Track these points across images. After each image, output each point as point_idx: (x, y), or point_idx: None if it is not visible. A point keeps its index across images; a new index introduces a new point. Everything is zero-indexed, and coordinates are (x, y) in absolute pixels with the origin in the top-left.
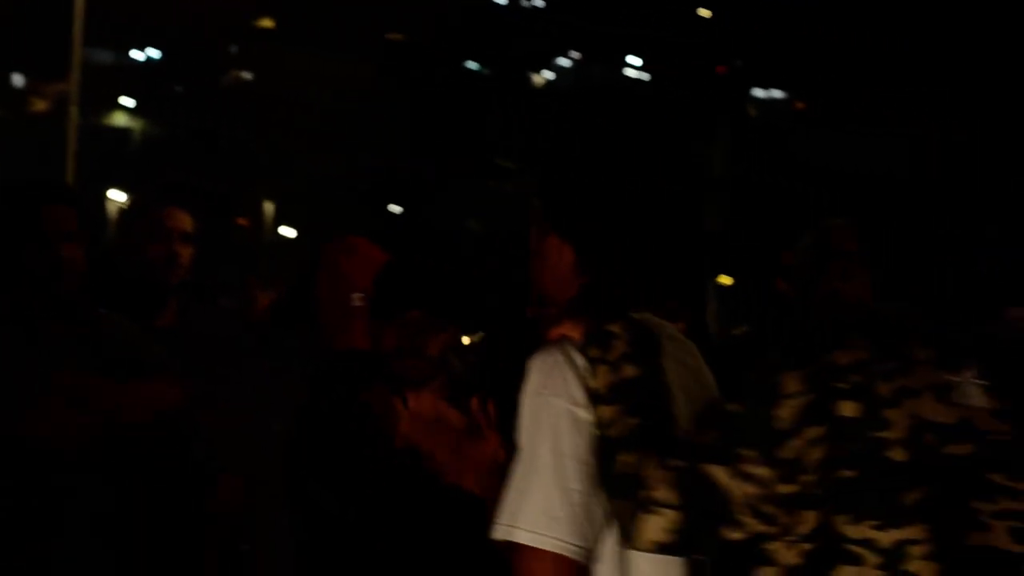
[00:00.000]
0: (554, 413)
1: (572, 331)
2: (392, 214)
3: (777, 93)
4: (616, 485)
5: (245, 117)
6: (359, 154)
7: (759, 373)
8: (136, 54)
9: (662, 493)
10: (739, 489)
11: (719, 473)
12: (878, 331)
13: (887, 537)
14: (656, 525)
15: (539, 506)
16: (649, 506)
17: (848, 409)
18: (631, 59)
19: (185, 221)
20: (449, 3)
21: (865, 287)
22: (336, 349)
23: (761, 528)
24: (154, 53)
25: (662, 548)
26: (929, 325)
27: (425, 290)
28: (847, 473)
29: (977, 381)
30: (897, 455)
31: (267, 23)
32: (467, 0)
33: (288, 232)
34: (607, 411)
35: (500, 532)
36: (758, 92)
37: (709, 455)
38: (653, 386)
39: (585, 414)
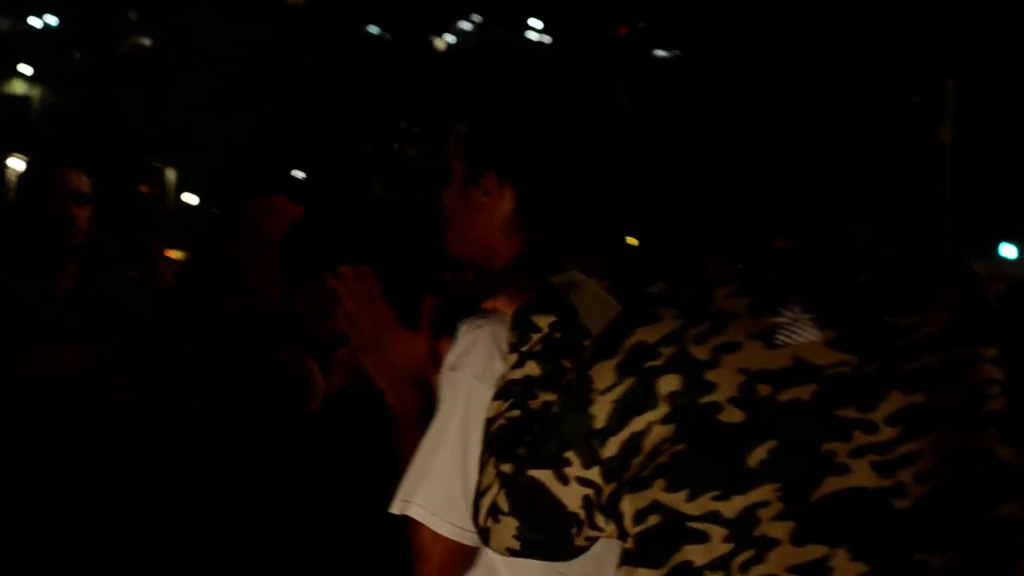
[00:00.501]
0: (467, 392)
1: (506, 304)
2: (295, 178)
3: (677, 52)
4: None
5: (145, 83)
6: (260, 119)
7: (573, 368)
8: (34, 21)
9: (500, 500)
10: (569, 494)
11: (546, 477)
12: (681, 296)
13: (731, 506)
14: (502, 533)
15: (439, 486)
16: (495, 514)
17: (668, 384)
18: (532, 22)
19: (81, 182)
20: None
21: None
22: (251, 312)
23: (608, 530)
24: (52, 20)
25: (515, 554)
26: (738, 273)
27: (339, 250)
28: (678, 447)
29: (805, 315)
30: (731, 416)
31: None
32: None
33: (191, 199)
34: (496, 405)
35: (397, 505)
36: (659, 52)
37: (534, 460)
38: (549, 387)
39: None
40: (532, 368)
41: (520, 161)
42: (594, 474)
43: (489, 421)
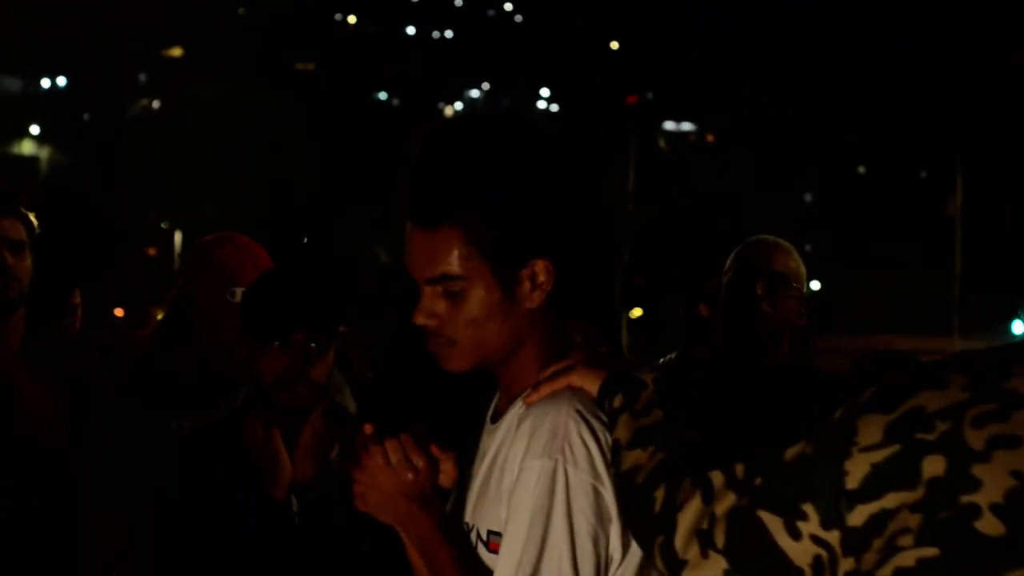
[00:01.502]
0: (571, 487)
1: (586, 380)
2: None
3: (687, 126)
4: (655, 526)
5: (153, 145)
6: (267, 183)
7: (828, 415)
8: (44, 82)
9: (716, 532)
10: (798, 550)
11: (774, 524)
12: (975, 364)
13: None
14: (705, 570)
15: None
16: (706, 545)
17: (933, 467)
18: (542, 91)
19: (15, 230)
20: (357, 35)
21: (793, 307)
22: (214, 370)
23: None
24: (61, 81)
25: None
26: None
27: (308, 309)
28: (928, 553)
29: None
30: (990, 527)
31: (175, 52)
32: (376, 32)
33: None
34: (633, 456)
35: None
36: (668, 125)
37: (765, 499)
38: (678, 427)
39: (607, 493)
40: (656, 415)
41: (565, 239)
42: (832, 538)
43: (631, 474)
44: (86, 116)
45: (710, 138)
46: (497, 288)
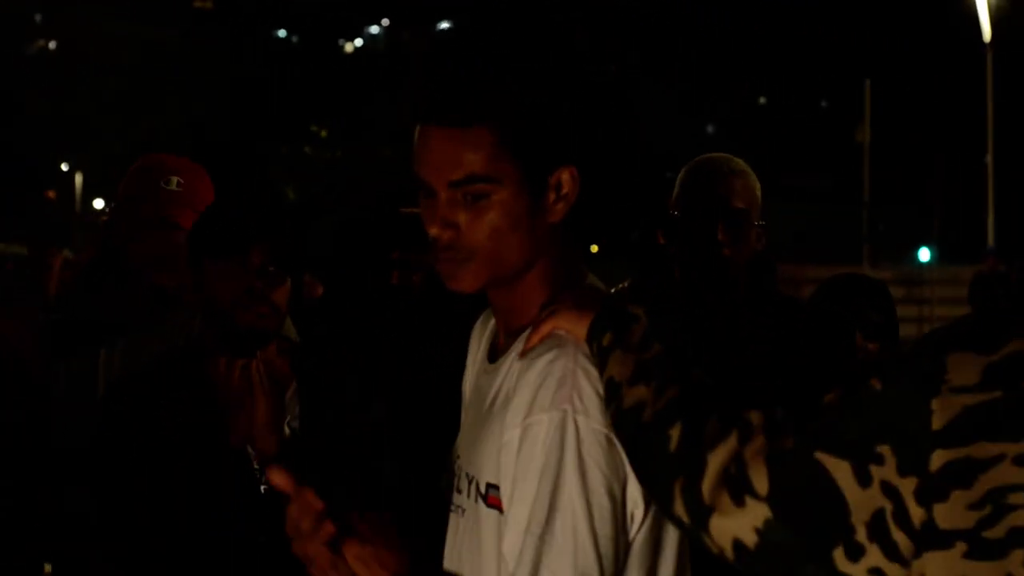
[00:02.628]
0: (583, 439)
1: (573, 323)
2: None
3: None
4: (672, 466)
5: (50, 87)
6: (168, 121)
7: (915, 348)
8: None
9: (756, 476)
10: (862, 500)
11: (839, 469)
12: None
13: None
14: (740, 520)
15: (569, 560)
16: (741, 492)
17: None
18: (441, 25)
19: None
20: None
21: (753, 238)
22: (153, 288)
23: (883, 564)
24: None
25: (739, 555)
26: None
27: (270, 226)
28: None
29: None
30: None
31: None
32: None
33: (100, 204)
34: (636, 393)
35: None
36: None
37: (829, 441)
38: (686, 354)
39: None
40: (655, 348)
41: (594, 149)
42: (907, 486)
43: (637, 409)
44: None
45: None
46: (525, 194)
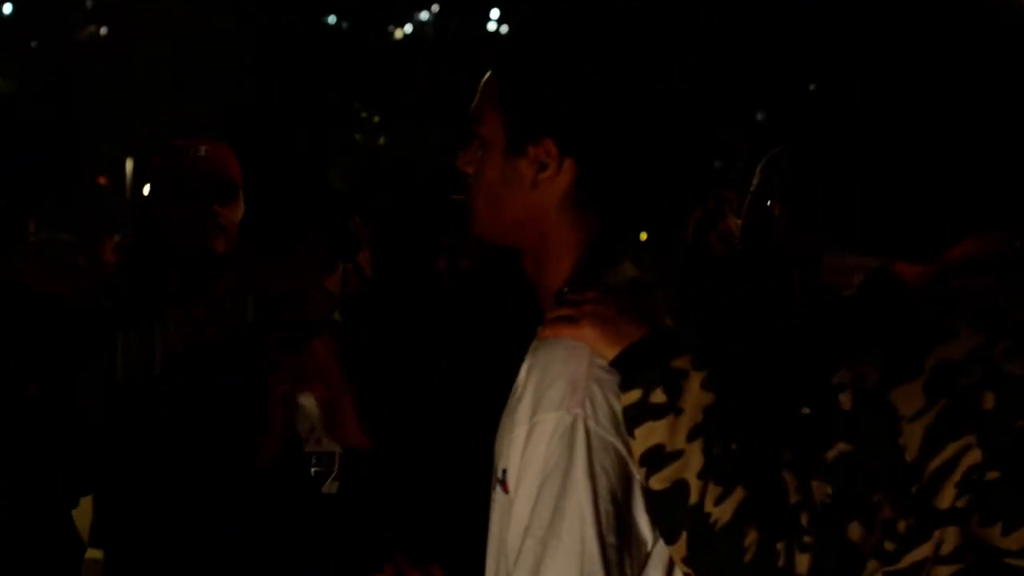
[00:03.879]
0: (593, 445)
1: (598, 341)
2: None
3: None
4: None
5: (101, 72)
6: (218, 108)
7: (855, 394)
8: None
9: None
10: (870, 540)
11: (855, 531)
12: (975, 308)
13: None
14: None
15: (575, 565)
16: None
17: (985, 403)
18: (492, 12)
19: None
20: None
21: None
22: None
23: (876, 567)
24: (7, 8)
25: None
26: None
27: (319, 217)
28: (991, 475)
29: None
30: None
31: None
32: None
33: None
34: (696, 480)
35: None
36: None
37: (846, 512)
38: (741, 418)
39: (634, 464)
40: (707, 400)
41: (591, 129)
42: (896, 512)
43: (702, 499)
44: (33, 44)
45: None
46: (505, 151)
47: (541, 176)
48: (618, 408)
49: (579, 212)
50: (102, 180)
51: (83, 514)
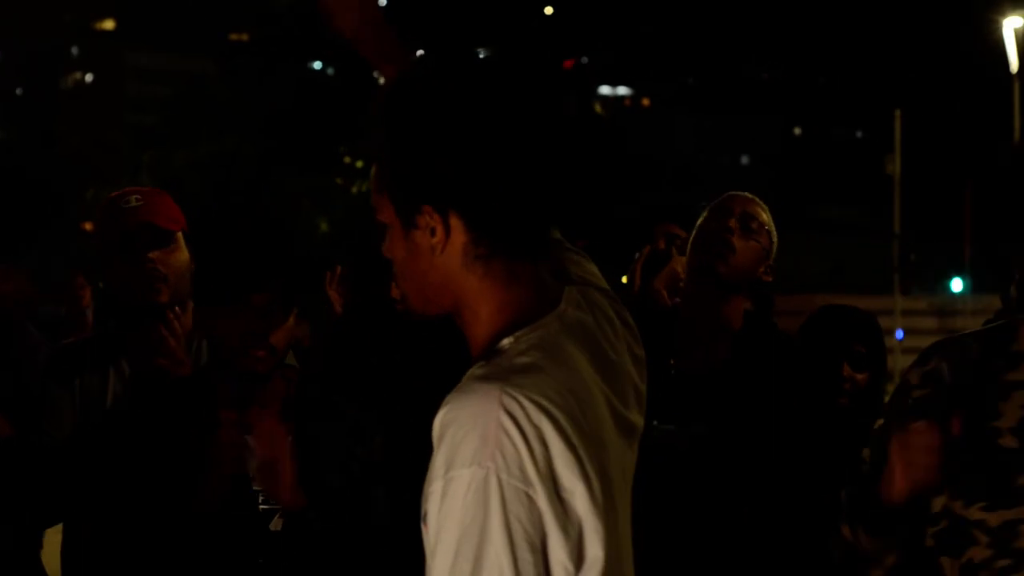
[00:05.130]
0: (506, 497)
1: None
2: (233, 208)
3: (623, 90)
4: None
5: (87, 118)
6: (202, 152)
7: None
8: None
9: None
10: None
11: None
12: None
13: (995, 518)
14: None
15: None
16: None
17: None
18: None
19: None
20: (293, 4)
21: (760, 254)
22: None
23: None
24: None
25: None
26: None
27: (272, 271)
28: (966, 458)
29: None
30: (1008, 442)
31: (108, 24)
32: (311, 1)
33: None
34: None
35: None
36: (604, 89)
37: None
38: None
39: (540, 500)
40: None
41: (458, 185)
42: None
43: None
44: (18, 91)
45: (646, 102)
46: (400, 227)
47: (435, 241)
48: (523, 450)
49: (484, 265)
50: (88, 226)
51: (52, 557)
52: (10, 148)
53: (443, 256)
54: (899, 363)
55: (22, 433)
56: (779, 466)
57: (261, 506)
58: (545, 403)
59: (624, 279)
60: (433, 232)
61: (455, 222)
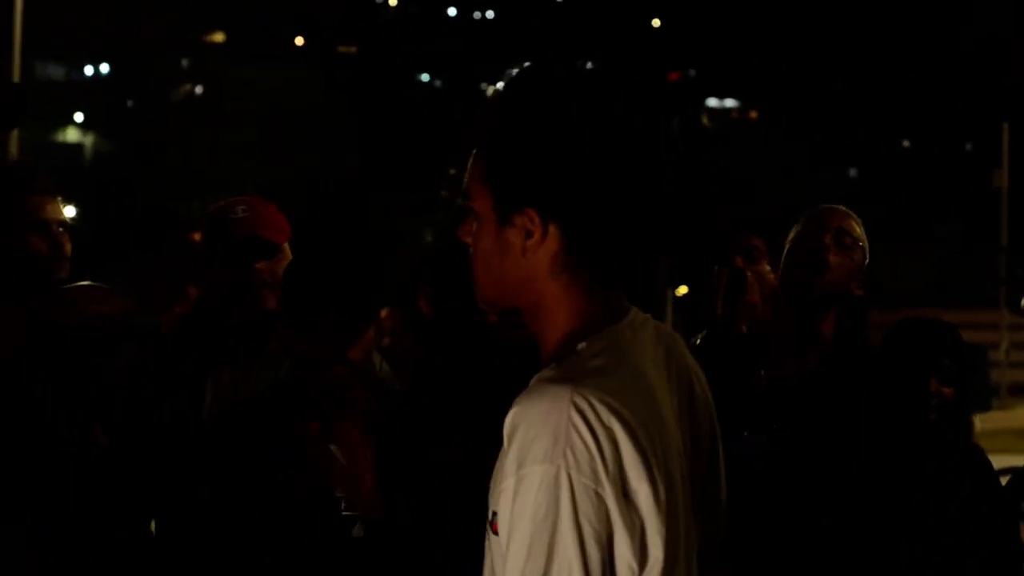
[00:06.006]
0: (576, 494)
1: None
2: (339, 223)
3: (730, 102)
4: None
5: (196, 130)
6: (311, 165)
7: None
8: (87, 69)
9: None
10: None
11: None
12: None
13: None
14: None
15: None
16: None
17: None
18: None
19: (61, 211)
20: (400, 16)
21: (853, 268)
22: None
23: None
24: (104, 68)
25: None
26: None
27: (345, 288)
28: None
29: None
30: None
31: (217, 37)
32: (418, 13)
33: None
34: None
35: None
36: (711, 102)
37: None
38: None
39: (609, 499)
40: None
41: (568, 195)
42: None
43: None
44: (129, 103)
45: (753, 114)
46: (494, 222)
47: (529, 243)
48: (594, 450)
49: (571, 274)
50: (196, 236)
51: None
52: (119, 159)
53: (532, 258)
54: (1006, 377)
55: (117, 440)
56: (862, 479)
57: (343, 512)
58: (616, 405)
59: (685, 291)
60: (529, 235)
61: (553, 230)
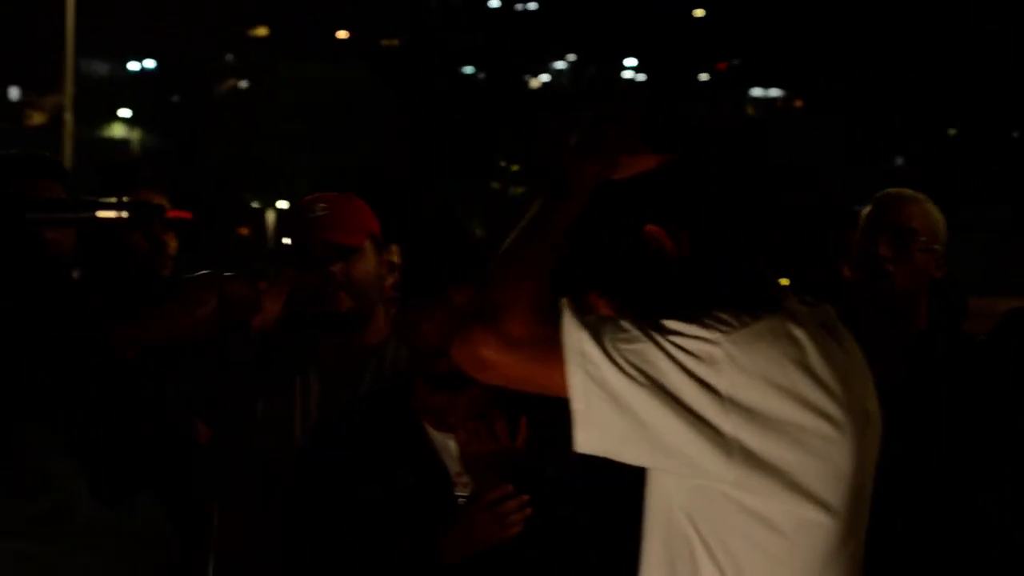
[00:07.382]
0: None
1: None
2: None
3: (775, 92)
4: None
5: (242, 125)
6: (354, 160)
7: None
8: (132, 65)
9: None
10: None
11: None
12: None
13: None
14: None
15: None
16: None
17: None
18: (627, 61)
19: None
20: (443, 9)
21: (925, 261)
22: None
23: None
24: (150, 64)
25: None
26: None
27: (467, 266)
28: None
29: None
30: None
31: (261, 31)
32: (461, 6)
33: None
34: None
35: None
36: (756, 91)
37: None
38: None
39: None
40: None
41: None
42: None
43: None
44: (175, 98)
45: (799, 103)
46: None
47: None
48: None
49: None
50: (244, 231)
51: None
52: (165, 155)
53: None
54: None
55: (220, 440)
56: (942, 479)
57: (458, 495)
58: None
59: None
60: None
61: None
